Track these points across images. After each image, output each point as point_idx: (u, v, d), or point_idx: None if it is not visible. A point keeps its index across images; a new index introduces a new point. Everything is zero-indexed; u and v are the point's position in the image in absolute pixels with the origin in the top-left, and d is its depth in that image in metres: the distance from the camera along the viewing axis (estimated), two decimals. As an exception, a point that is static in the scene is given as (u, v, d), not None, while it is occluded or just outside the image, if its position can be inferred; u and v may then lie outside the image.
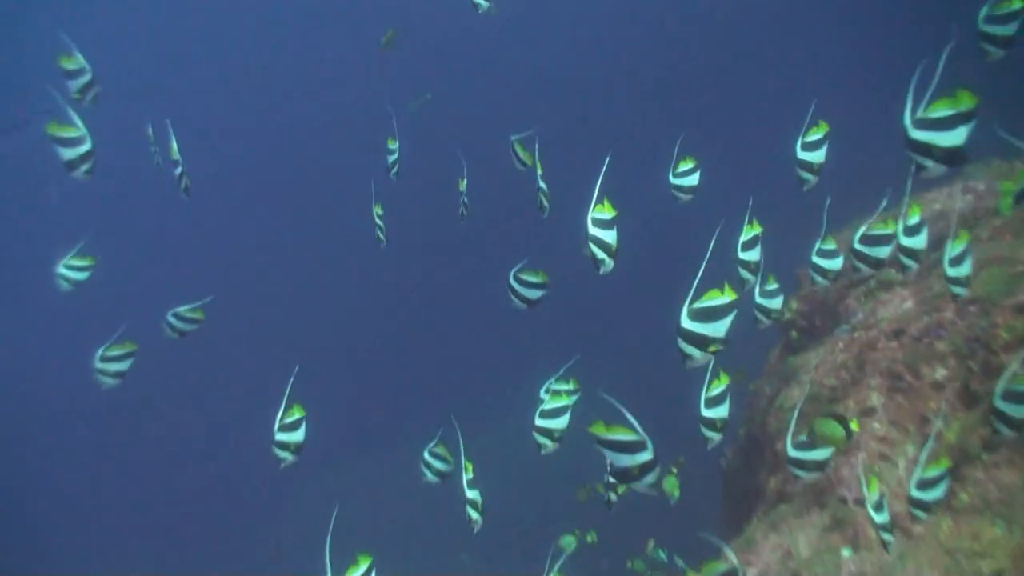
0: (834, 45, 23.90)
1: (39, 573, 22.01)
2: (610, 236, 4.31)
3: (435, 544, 16.52)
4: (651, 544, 10.64)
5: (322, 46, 30.69)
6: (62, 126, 5.95)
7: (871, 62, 19.59)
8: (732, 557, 4.30)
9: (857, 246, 5.37)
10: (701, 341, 3.95)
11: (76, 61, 6.35)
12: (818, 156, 5.30)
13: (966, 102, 4.11)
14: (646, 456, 3.80)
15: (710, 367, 4.55)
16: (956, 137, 4.13)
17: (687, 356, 4.00)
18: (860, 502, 6.17)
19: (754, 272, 5.29)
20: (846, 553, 5.87)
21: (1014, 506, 5.62)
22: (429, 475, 6.12)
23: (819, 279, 5.76)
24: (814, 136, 5.26)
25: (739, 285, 5.26)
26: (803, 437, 4.93)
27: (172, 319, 6.58)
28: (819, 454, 4.94)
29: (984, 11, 5.18)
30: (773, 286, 5.63)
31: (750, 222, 5.31)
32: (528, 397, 5.94)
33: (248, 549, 21.20)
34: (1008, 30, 5.21)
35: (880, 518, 4.70)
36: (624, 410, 3.75)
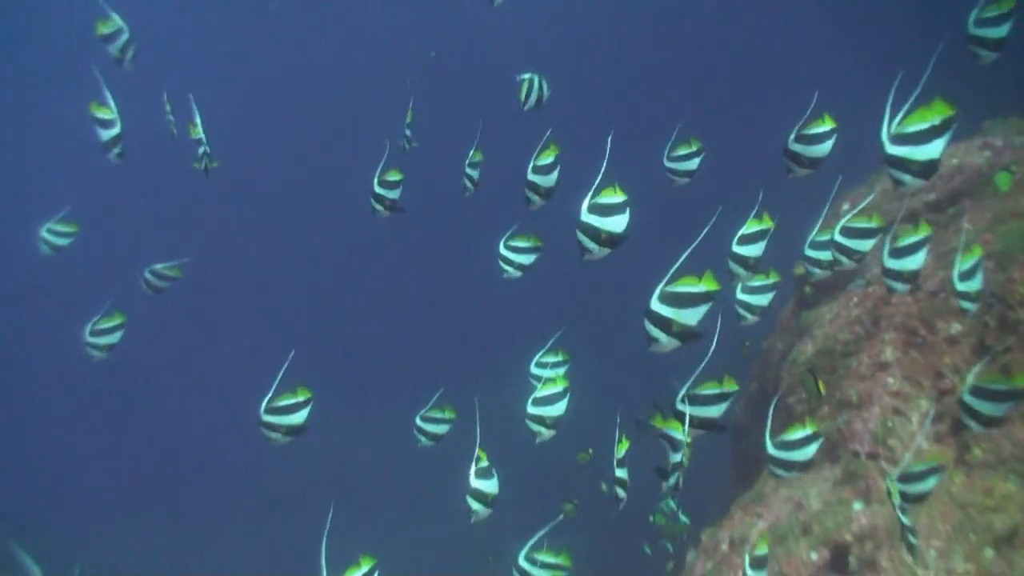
0: (833, 36, 23.90)
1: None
2: (607, 223, 4.20)
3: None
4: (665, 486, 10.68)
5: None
6: (100, 106, 6.04)
7: (868, 52, 19.53)
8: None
9: (839, 238, 5.30)
10: (667, 325, 3.92)
11: (113, 23, 6.40)
12: (810, 150, 5.16)
13: (941, 112, 4.08)
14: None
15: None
16: (932, 151, 4.12)
17: (652, 339, 3.99)
18: (873, 456, 6.14)
19: (749, 268, 5.17)
20: (857, 506, 5.84)
21: (1028, 462, 5.60)
22: (424, 440, 6.13)
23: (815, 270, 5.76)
24: (814, 129, 5.12)
25: (729, 277, 5.17)
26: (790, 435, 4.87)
27: (149, 275, 6.83)
28: (799, 454, 4.91)
29: (974, 14, 5.20)
30: (764, 281, 5.52)
31: (758, 216, 5.19)
32: (520, 363, 5.94)
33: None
34: (999, 32, 5.20)
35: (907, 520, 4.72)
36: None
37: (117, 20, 6.36)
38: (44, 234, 6.69)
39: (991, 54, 5.28)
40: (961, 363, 6.19)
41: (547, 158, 5.08)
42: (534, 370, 5.94)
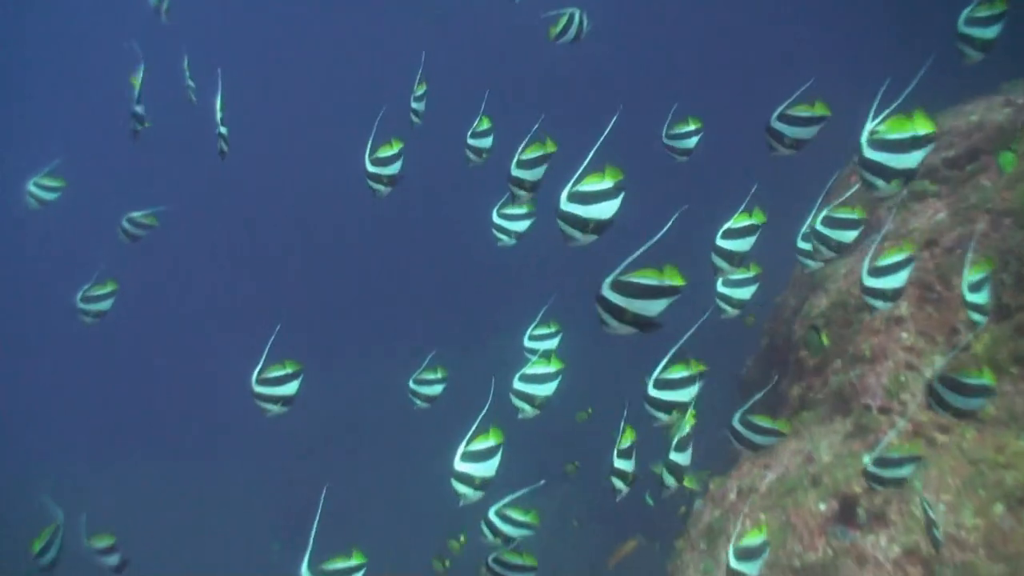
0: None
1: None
2: (591, 211, 4.13)
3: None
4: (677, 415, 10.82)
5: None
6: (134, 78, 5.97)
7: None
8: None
9: (819, 228, 5.24)
10: (619, 312, 3.89)
11: None
12: (793, 131, 5.09)
13: (924, 127, 4.03)
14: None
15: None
16: (910, 160, 4.08)
17: (603, 323, 3.94)
18: (885, 410, 6.12)
19: (734, 263, 5.09)
20: (867, 459, 5.82)
21: (1041, 419, 5.58)
22: (418, 403, 6.14)
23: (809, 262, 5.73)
24: (799, 112, 5.04)
25: (712, 271, 5.11)
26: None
27: (126, 224, 6.73)
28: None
29: (966, 13, 5.12)
30: (746, 275, 5.45)
31: (748, 210, 5.11)
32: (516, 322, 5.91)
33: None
34: (989, 33, 5.15)
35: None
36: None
37: None
38: (31, 188, 6.68)
39: (978, 54, 5.24)
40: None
41: (533, 152, 4.92)
42: (528, 343, 5.94)
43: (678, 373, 4.58)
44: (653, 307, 3.87)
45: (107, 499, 20.28)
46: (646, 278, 3.83)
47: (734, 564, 4.56)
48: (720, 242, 4.94)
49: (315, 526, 4.41)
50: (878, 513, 5.42)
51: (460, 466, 4.57)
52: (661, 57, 29.44)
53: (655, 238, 3.74)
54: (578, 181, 3.98)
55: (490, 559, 5.08)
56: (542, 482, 4.76)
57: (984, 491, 5.29)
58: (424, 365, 6.12)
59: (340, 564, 4.75)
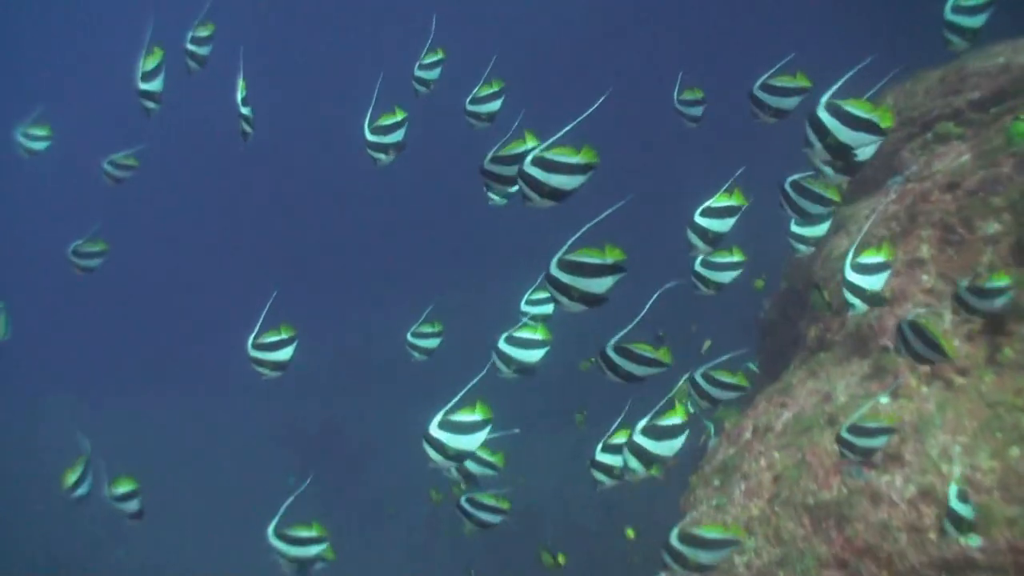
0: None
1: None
2: (551, 178, 4.13)
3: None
4: (707, 344, 11.11)
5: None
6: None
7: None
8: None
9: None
10: (566, 290, 4.05)
11: None
12: (773, 101, 5.08)
13: (885, 120, 4.12)
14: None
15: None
16: (865, 152, 4.35)
17: (555, 300, 4.13)
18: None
19: (708, 241, 5.05)
20: (884, 400, 5.83)
21: (1061, 363, 5.56)
22: (416, 355, 6.19)
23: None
24: (780, 83, 5.02)
25: (687, 248, 5.08)
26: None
27: (108, 167, 6.76)
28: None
29: (951, 1, 5.19)
30: (728, 259, 5.40)
31: (729, 191, 5.06)
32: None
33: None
34: (975, 22, 5.21)
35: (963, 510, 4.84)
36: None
37: None
38: (19, 138, 6.78)
39: (963, 43, 5.31)
40: (998, 262, 6.11)
41: (513, 149, 4.83)
42: (524, 308, 5.95)
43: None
44: (600, 284, 4.05)
45: (119, 436, 20.61)
46: (589, 257, 4.01)
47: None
48: (698, 219, 4.93)
49: (289, 500, 4.81)
50: (894, 453, 5.43)
51: (435, 431, 4.58)
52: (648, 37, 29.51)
53: (596, 219, 3.98)
54: (547, 148, 4.05)
55: (463, 499, 5.19)
56: (516, 430, 4.80)
57: (1001, 434, 5.29)
58: (422, 319, 6.18)
59: (303, 532, 4.96)
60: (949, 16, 5.24)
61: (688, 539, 4.50)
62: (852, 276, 5.05)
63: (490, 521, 5.33)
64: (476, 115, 5.98)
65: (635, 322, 4.51)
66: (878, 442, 4.87)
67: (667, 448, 4.66)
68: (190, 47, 6.10)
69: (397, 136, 5.62)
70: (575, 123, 3.98)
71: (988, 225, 6.33)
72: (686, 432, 4.40)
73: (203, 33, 6.13)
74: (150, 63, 5.71)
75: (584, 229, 4.00)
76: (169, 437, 22.88)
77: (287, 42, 34.61)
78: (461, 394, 4.58)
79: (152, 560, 18.51)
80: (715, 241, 5.00)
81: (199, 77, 6.18)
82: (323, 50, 35.71)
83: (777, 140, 5.00)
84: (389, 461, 19.32)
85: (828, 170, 4.35)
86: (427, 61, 6.25)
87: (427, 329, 6.20)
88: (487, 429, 4.63)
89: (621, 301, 4.44)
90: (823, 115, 4.13)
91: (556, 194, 4.14)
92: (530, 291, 6.02)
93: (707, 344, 11.17)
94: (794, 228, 5.47)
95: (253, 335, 5.17)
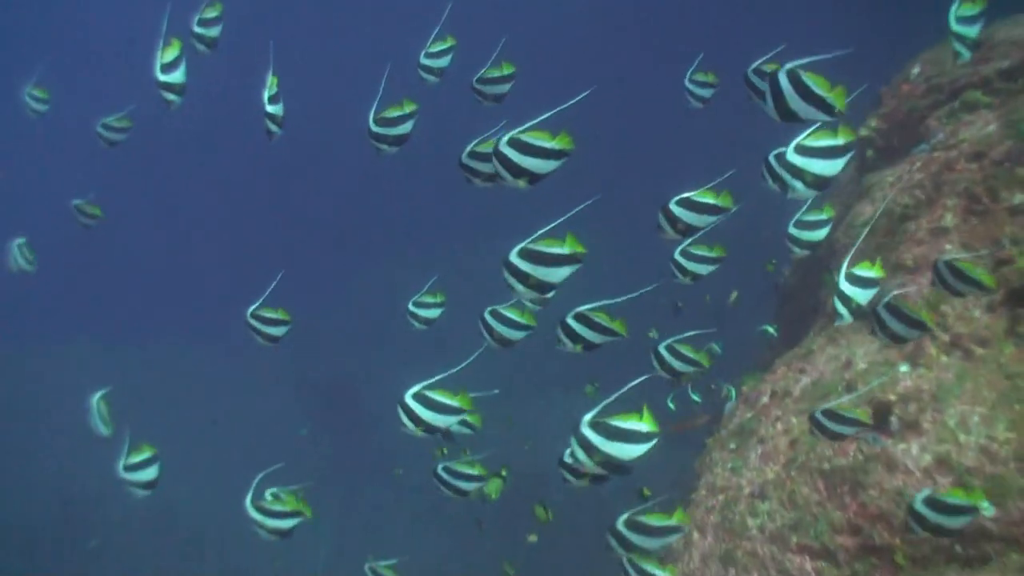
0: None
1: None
2: (526, 161, 4.16)
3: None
4: (734, 296, 11.27)
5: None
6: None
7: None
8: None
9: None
10: (523, 277, 4.16)
11: None
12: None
13: (839, 102, 4.13)
14: None
15: None
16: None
17: (509, 286, 4.23)
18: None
19: (678, 231, 5.01)
20: (903, 368, 5.82)
21: (1082, 337, 5.55)
22: (417, 324, 6.23)
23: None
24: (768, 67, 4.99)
25: (657, 230, 5.05)
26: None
27: (102, 130, 6.93)
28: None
29: (953, 10, 5.26)
30: (707, 252, 5.37)
31: (714, 189, 5.00)
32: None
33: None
34: (972, 31, 5.31)
35: None
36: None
37: None
38: (26, 98, 7.24)
39: (967, 52, 5.35)
40: (1021, 234, 6.08)
41: (488, 147, 4.76)
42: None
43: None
44: (557, 274, 4.19)
45: (137, 379, 20.79)
46: (551, 247, 4.14)
47: None
48: (672, 207, 4.91)
49: (263, 473, 5.06)
50: (911, 422, 5.44)
51: (409, 401, 4.68)
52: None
53: (563, 218, 4.06)
54: (524, 131, 4.11)
55: (439, 468, 5.27)
56: (495, 391, 4.83)
57: (1019, 405, 5.28)
58: (424, 289, 6.21)
59: (279, 507, 5.22)
60: (954, 27, 5.29)
61: (634, 525, 4.61)
62: (845, 286, 4.99)
63: (466, 489, 5.44)
64: (483, 94, 5.95)
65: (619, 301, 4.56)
66: (847, 430, 4.84)
67: (622, 451, 4.46)
68: (198, 29, 5.92)
69: (403, 128, 5.44)
70: (555, 111, 4.03)
71: (1013, 196, 6.28)
72: (651, 442, 4.29)
73: (211, 14, 5.96)
74: (169, 54, 5.57)
75: (551, 225, 4.13)
76: (184, 383, 23.09)
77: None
78: (444, 375, 4.70)
79: (163, 500, 18.71)
80: (685, 232, 4.98)
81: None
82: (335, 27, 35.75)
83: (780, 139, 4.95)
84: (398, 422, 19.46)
85: (799, 185, 4.34)
86: (435, 49, 6.02)
87: (428, 300, 6.23)
88: (459, 416, 4.76)
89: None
90: (782, 77, 4.15)
91: (529, 176, 4.21)
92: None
93: (734, 295, 11.32)
94: (792, 230, 5.44)
95: (254, 306, 5.45)
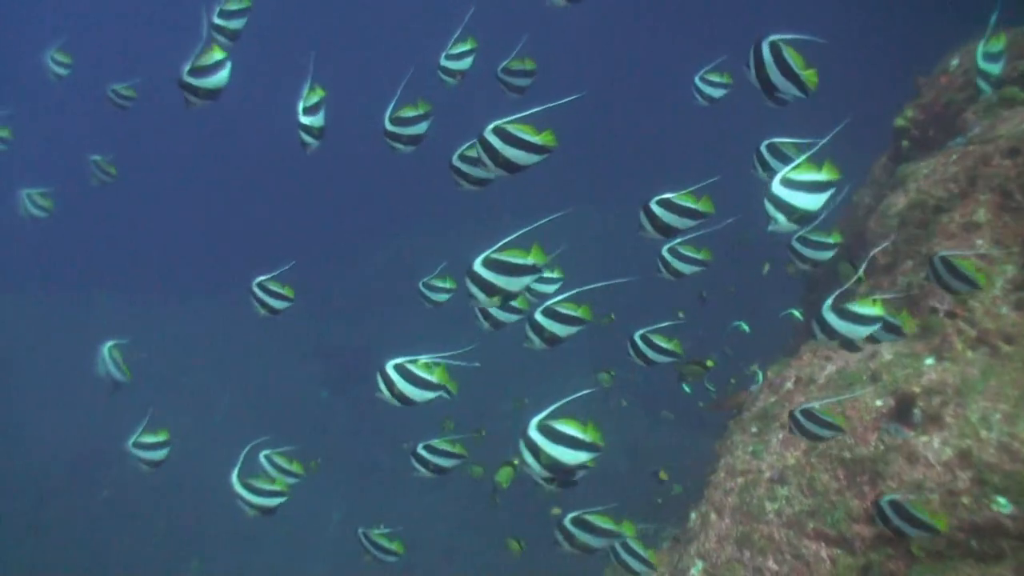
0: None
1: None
2: (508, 151, 4.23)
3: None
4: (767, 267, 11.45)
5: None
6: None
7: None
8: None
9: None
10: (489, 288, 4.26)
11: None
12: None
13: (811, 81, 4.28)
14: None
15: None
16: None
17: (471, 296, 4.32)
18: (951, 315, 6.08)
19: (658, 229, 4.99)
20: (929, 361, 5.83)
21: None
22: (427, 304, 6.36)
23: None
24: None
25: (637, 228, 5.04)
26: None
27: (112, 95, 7.59)
28: None
29: (981, 48, 5.47)
30: (694, 254, 5.41)
31: (696, 193, 4.95)
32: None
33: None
34: (995, 68, 5.59)
35: None
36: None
37: None
38: (48, 62, 7.78)
39: (989, 88, 5.66)
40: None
41: (473, 151, 4.75)
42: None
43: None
44: (519, 283, 4.30)
45: (160, 333, 20.95)
46: (514, 257, 4.23)
47: None
48: (653, 206, 4.89)
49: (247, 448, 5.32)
50: (934, 415, 5.44)
51: (389, 370, 4.67)
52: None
53: (532, 226, 4.20)
54: (511, 122, 4.17)
55: (420, 446, 5.34)
56: (476, 364, 4.84)
57: (1043, 404, 5.28)
58: (434, 273, 6.32)
59: (263, 485, 5.50)
60: (981, 64, 5.45)
61: (580, 523, 4.79)
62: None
63: (446, 466, 5.56)
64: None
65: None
66: (823, 432, 4.86)
67: (566, 456, 4.30)
68: (218, 21, 5.77)
69: (418, 128, 5.44)
70: (545, 107, 4.10)
71: (1049, 194, 6.26)
72: (593, 452, 4.25)
73: (234, 6, 5.83)
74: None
75: (519, 233, 4.23)
76: (206, 341, 23.27)
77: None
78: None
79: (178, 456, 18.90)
80: (664, 230, 4.97)
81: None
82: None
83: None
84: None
85: (781, 218, 4.33)
86: (456, 51, 5.92)
87: (438, 283, 6.27)
88: (437, 393, 4.75)
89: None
90: (764, 49, 4.26)
91: (509, 165, 4.27)
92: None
93: (766, 266, 11.48)
94: (794, 244, 5.43)
95: (262, 277, 5.69)
